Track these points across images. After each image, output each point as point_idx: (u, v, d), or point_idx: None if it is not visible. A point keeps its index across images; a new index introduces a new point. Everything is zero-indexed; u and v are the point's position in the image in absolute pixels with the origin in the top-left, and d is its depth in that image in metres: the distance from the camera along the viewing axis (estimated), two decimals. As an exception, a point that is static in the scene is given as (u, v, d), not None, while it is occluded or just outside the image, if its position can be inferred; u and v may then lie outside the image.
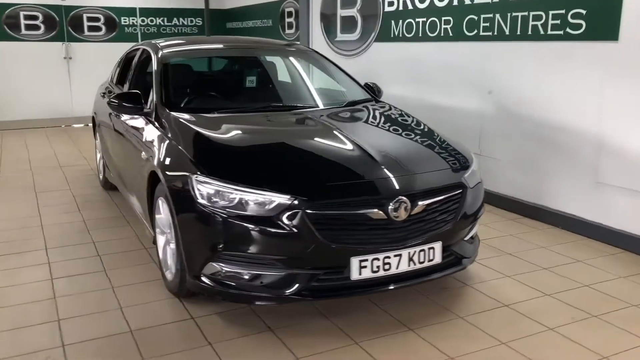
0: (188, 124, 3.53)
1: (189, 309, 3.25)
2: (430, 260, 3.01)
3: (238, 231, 2.84)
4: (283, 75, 4.59)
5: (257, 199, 2.82)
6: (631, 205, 4.15)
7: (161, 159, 3.36)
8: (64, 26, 10.19)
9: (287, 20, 8.89)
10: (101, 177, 5.92)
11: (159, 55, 4.24)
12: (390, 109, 4.17)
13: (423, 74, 5.98)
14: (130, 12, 10.66)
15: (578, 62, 4.35)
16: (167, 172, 3.21)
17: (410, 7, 6.07)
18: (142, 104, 3.89)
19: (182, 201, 3.04)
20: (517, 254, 4.09)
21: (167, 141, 3.43)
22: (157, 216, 3.54)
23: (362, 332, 2.98)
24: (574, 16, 4.34)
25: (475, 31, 5.24)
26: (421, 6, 5.91)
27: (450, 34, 5.54)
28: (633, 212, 4.14)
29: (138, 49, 4.93)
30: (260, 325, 3.06)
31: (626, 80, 4.04)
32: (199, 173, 2.97)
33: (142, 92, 3.97)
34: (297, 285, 2.85)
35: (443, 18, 5.61)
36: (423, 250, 2.97)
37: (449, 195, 3.08)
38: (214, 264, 2.93)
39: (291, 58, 4.73)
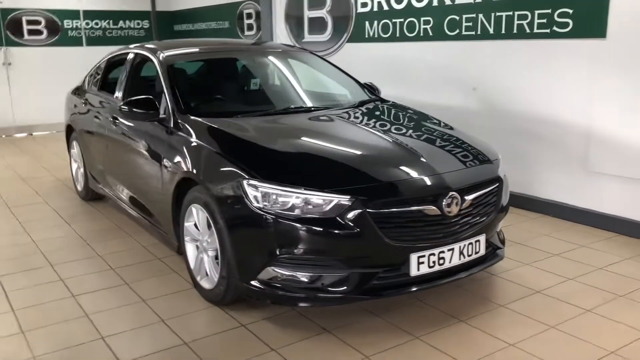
0: (220, 128, 3.46)
1: (234, 316, 3.20)
2: (476, 253, 3.12)
3: (299, 234, 2.83)
4: (289, 77, 4.57)
5: (317, 201, 2.83)
6: (621, 191, 4.45)
7: (197, 166, 3.28)
8: (2, 30, 9.62)
9: (247, 21, 8.81)
10: (79, 187, 5.67)
11: (162, 59, 4.13)
12: (402, 107, 4.26)
13: (403, 74, 6.12)
14: (73, 14, 10.21)
15: (566, 58, 4.61)
16: (209, 179, 3.15)
17: (385, 7, 6.19)
18: (158, 109, 3.78)
19: (233, 207, 2.99)
20: (525, 242, 4.30)
21: (199, 147, 3.36)
22: (186, 224, 3.46)
23: (418, 327, 3.05)
24: (560, 15, 4.59)
25: (458, 31, 5.42)
26: (398, 7, 6.05)
27: (431, 34, 5.70)
28: (623, 198, 4.44)
29: (127, 54, 4.76)
30: (315, 327, 3.07)
31: (614, 75, 4.33)
32: (253, 178, 2.93)
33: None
34: (359, 284, 2.88)
35: (422, 18, 5.77)
36: (471, 243, 3.08)
37: (490, 188, 3.21)
38: (273, 268, 2.91)
39: (291, 59, 4.72)
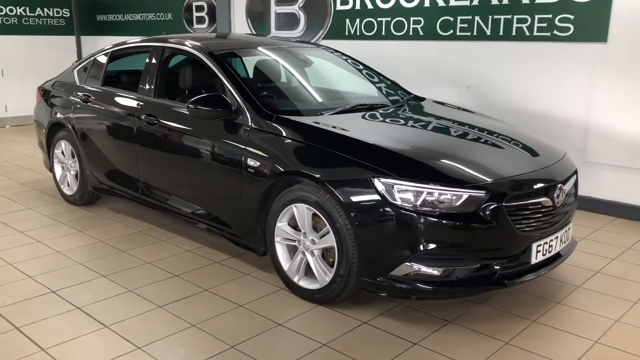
0: (323, 128, 3.43)
1: (349, 314, 3.21)
2: (567, 240, 3.40)
3: (440, 230, 2.92)
4: (339, 74, 4.58)
5: (455, 197, 2.92)
6: (618, 179, 5.00)
7: (304, 165, 3.23)
8: None
9: (197, 14, 8.51)
10: (69, 192, 5.22)
11: (217, 54, 3.96)
12: (448, 104, 4.46)
13: (389, 72, 6.30)
14: (-15, 0, 9.21)
15: (568, 60, 5.07)
16: (325, 178, 3.11)
17: (370, 6, 6.34)
18: (231, 107, 3.64)
19: (361, 206, 3.00)
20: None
21: (302, 146, 3.32)
22: (279, 225, 3.39)
23: (530, 311, 3.26)
24: (561, 20, 5.04)
25: (452, 31, 5.72)
26: (384, 6, 6.22)
27: (421, 33, 5.95)
28: (620, 185, 5.00)
29: (147, 47, 4.49)
30: (435, 319, 3.17)
31: (614, 76, 4.85)
32: (387, 176, 2.96)
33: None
34: (489, 275, 3.02)
35: (412, 18, 6.00)
36: (566, 231, 3.35)
37: (575, 179, 3.50)
38: (409, 264, 2.96)
39: (322, 57, 4.72)
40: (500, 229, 2.97)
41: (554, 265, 3.29)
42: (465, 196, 2.93)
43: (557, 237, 3.24)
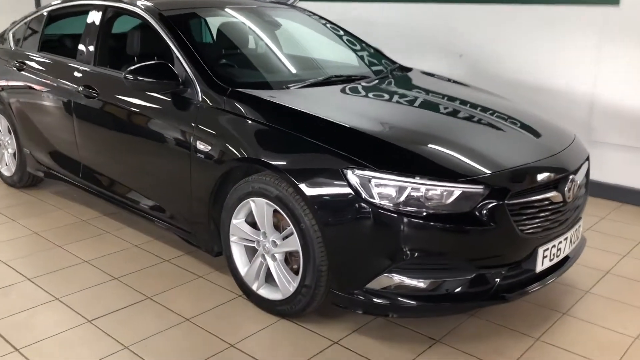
0: (282, 105, 2.83)
1: (317, 331, 2.67)
2: (576, 240, 2.86)
3: (428, 234, 2.37)
4: (308, 40, 3.95)
5: (447, 193, 2.36)
6: (626, 161, 4.46)
7: (265, 152, 2.64)
8: None
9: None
10: (7, 173, 4.59)
11: (167, 16, 3.32)
12: (439, 75, 3.85)
13: (373, 39, 5.67)
14: None
15: (573, 26, 4.47)
16: (289, 168, 2.54)
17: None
18: (177, 78, 3.02)
19: (333, 203, 2.44)
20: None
21: (264, 128, 2.73)
22: (234, 222, 2.82)
23: (532, 325, 2.74)
24: (569, -20, 4.43)
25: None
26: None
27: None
28: (628, 167, 4.47)
29: (88, 6, 3.82)
30: (421, 337, 2.64)
31: (625, 45, 4.27)
32: (364, 167, 2.39)
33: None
34: (486, 287, 2.48)
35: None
36: (576, 230, 2.81)
37: (587, 167, 2.95)
38: (389, 275, 2.41)
39: (296, 19, 4.08)
40: (500, 232, 2.43)
41: (561, 271, 2.76)
42: (458, 192, 2.37)
43: (566, 238, 2.70)
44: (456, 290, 2.45)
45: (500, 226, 2.41)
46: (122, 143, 3.42)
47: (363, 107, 2.99)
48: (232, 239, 2.87)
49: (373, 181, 2.37)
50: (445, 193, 2.36)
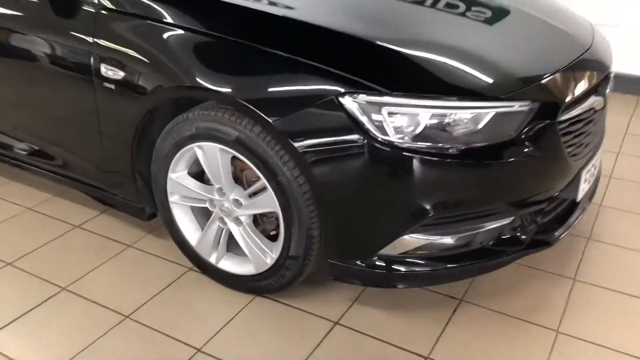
0: (240, 4, 1.94)
1: (308, 309, 2.02)
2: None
3: (461, 175, 1.72)
4: None
5: (482, 116, 1.68)
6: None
7: (216, 73, 1.81)
8: None
9: None
10: None
11: None
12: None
13: None
14: None
15: None
16: (259, 98, 1.74)
17: None
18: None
19: (324, 146, 1.69)
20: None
21: (200, 40, 1.87)
22: (173, 176, 2.02)
23: (564, 264, 2.25)
24: None
25: None
26: None
27: None
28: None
29: None
30: (442, 299, 2.06)
31: None
32: (369, 90, 1.64)
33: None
34: (527, 231, 1.92)
35: None
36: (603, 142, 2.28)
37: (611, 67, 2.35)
38: (412, 236, 1.76)
39: None
40: (548, 160, 1.82)
41: (593, 190, 2.25)
42: (501, 114, 1.70)
43: (599, 153, 2.17)
44: (492, 242, 1.86)
45: (549, 152, 1.80)
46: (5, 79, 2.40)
47: (355, 4, 2.13)
48: (172, 198, 2.08)
49: (385, 109, 1.64)
50: (482, 116, 1.68)
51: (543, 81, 1.79)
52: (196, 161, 1.99)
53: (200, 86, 1.80)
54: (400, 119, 1.64)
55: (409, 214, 1.72)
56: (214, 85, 1.78)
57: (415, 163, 1.65)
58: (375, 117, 1.64)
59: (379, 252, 1.80)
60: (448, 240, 1.80)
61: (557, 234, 1.98)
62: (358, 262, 1.83)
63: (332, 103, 1.66)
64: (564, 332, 1.92)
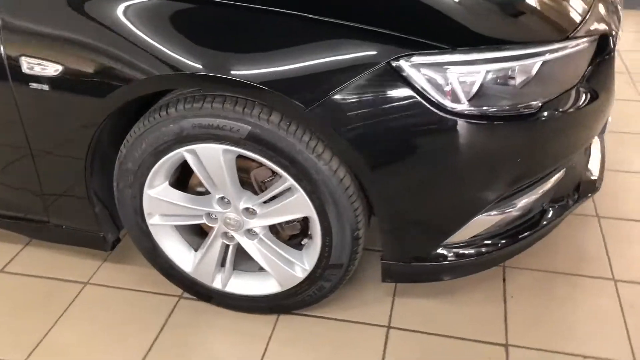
0: None
1: (352, 319, 1.69)
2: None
3: (541, 136, 1.42)
4: None
5: (556, 62, 1.38)
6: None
7: (216, 57, 1.33)
8: None
9: None
10: None
11: None
12: None
13: None
14: None
15: None
16: (275, 79, 1.30)
17: None
18: None
19: (378, 125, 1.31)
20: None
21: (192, 9, 1.35)
22: (150, 193, 1.53)
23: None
24: None
25: None
26: None
27: None
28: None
29: None
30: (489, 275, 1.82)
31: None
32: (429, 49, 1.28)
33: None
34: (576, 180, 1.72)
35: None
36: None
37: None
38: (488, 214, 1.47)
39: None
40: (606, 99, 1.58)
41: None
42: (573, 54, 1.41)
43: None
44: (549, 201, 1.64)
45: (606, 89, 1.57)
46: None
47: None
48: (152, 220, 1.59)
49: (452, 71, 1.28)
50: (556, 62, 1.38)
51: (590, 14, 1.52)
52: (178, 169, 1.52)
53: (198, 73, 1.31)
54: (468, 79, 1.30)
55: (488, 190, 1.42)
56: (220, 70, 1.29)
57: (497, 129, 1.33)
58: (439, 81, 1.28)
59: (446, 241, 1.49)
60: (514, 212, 1.53)
61: (595, 175, 1.80)
62: (419, 257, 1.51)
63: (383, 71, 1.27)
64: (619, 278, 1.77)
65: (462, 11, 1.39)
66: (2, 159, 1.63)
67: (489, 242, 1.55)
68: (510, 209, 1.50)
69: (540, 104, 1.35)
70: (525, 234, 1.59)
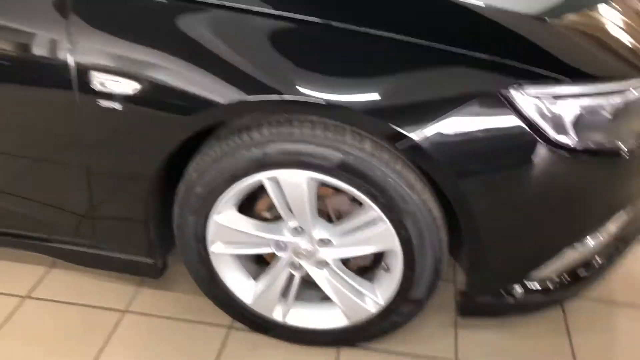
0: None
1: (412, 350, 1.61)
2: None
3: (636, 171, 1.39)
4: None
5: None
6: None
7: (314, 79, 1.23)
8: None
9: None
10: None
11: None
12: None
13: None
14: None
15: None
16: (379, 106, 1.22)
17: None
18: None
19: (481, 157, 1.25)
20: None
21: (290, 28, 1.26)
22: (217, 218, 1.42)
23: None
24: None
25: None
26: None
27: None
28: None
29: None
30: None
31: None
32: (544, 81, 1.22)
33: None
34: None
35: None
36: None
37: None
38: (572, 247, 1.42)
39: None
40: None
41: None
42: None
43: None
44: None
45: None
46: None
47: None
48: (214, 247, 1.47)
49: (567, 102, 1.22)
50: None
51: None
52: (249, 196, 1.42)
53: (301, 97, 1.21)
54: (579, 112, 1.24)
55: (583, 223, 1.38)
56: (323, 94, 1.20)
57: (602, 164, 1.29)
58: (551, 112, 1.22)
59: (534, 275, 1.44)
60: (591, 241, 1.49)
61: None
62: (501, 291, 1.45)
63: (494, 98, 1.20)
64: None
65: (572, 43, 1.34)
66: (44, 176, 1.48)
67: (569, 275, 1.50)
68: (590, 243, 1.46)
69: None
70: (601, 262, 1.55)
